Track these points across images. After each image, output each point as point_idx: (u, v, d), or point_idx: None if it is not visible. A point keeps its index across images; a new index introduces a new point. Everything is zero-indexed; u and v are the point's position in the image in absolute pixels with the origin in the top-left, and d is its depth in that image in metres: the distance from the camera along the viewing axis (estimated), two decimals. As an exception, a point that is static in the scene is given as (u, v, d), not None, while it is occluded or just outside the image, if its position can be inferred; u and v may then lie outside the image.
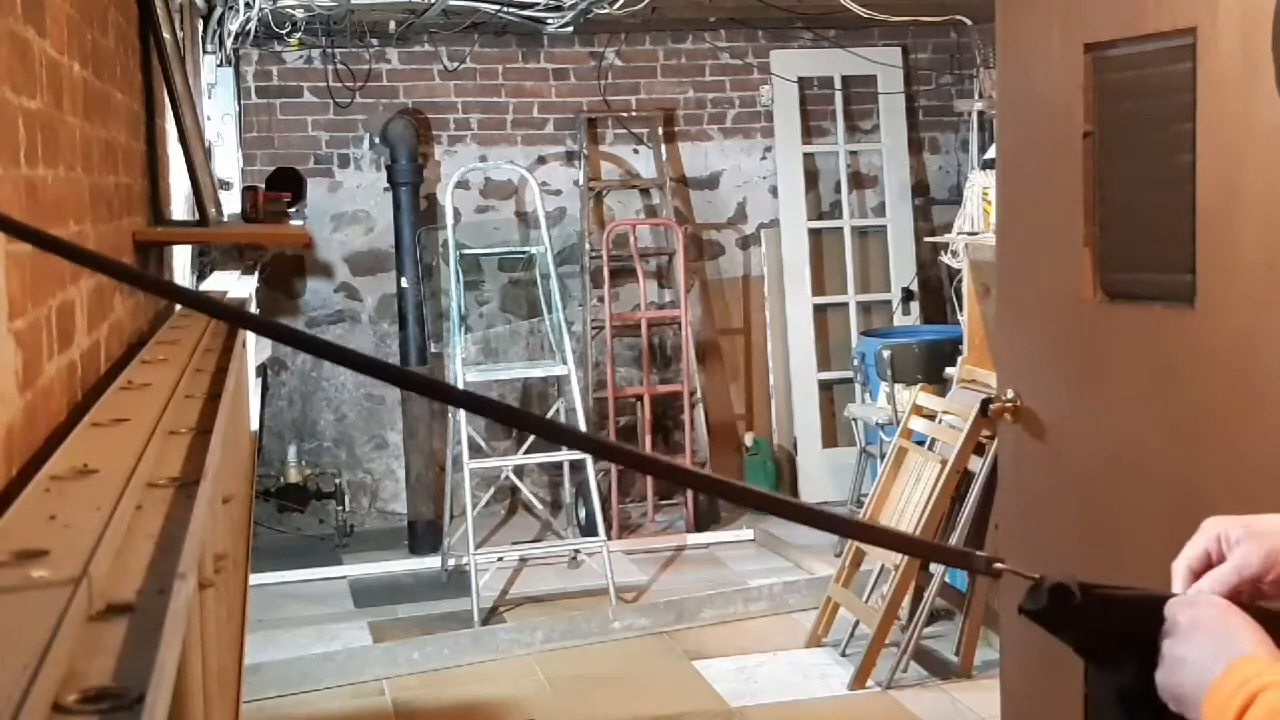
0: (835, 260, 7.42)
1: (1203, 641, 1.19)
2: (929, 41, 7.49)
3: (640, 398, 6.92)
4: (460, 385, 5.93)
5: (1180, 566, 1.29)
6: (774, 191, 7.42)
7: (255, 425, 4.49)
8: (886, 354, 6.02)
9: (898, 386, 5.91)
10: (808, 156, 7.42)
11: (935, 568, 4.81)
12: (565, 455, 6.45)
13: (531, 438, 6.51)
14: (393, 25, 6.63)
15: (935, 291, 7.48)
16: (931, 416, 5.12)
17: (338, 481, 6.85)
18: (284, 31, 6.39)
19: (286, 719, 4.70)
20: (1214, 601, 1.23)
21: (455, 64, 7.01)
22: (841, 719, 4.57)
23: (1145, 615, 1.21)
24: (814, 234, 7.38)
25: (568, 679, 4.93)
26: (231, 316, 1.70)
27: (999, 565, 1.22)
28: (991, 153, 4.75)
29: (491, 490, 6.60)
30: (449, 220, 6.32)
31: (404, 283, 6.73)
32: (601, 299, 6.95)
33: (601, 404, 6.93)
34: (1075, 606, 1.20)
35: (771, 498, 1.24)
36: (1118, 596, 1.24)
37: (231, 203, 4.89)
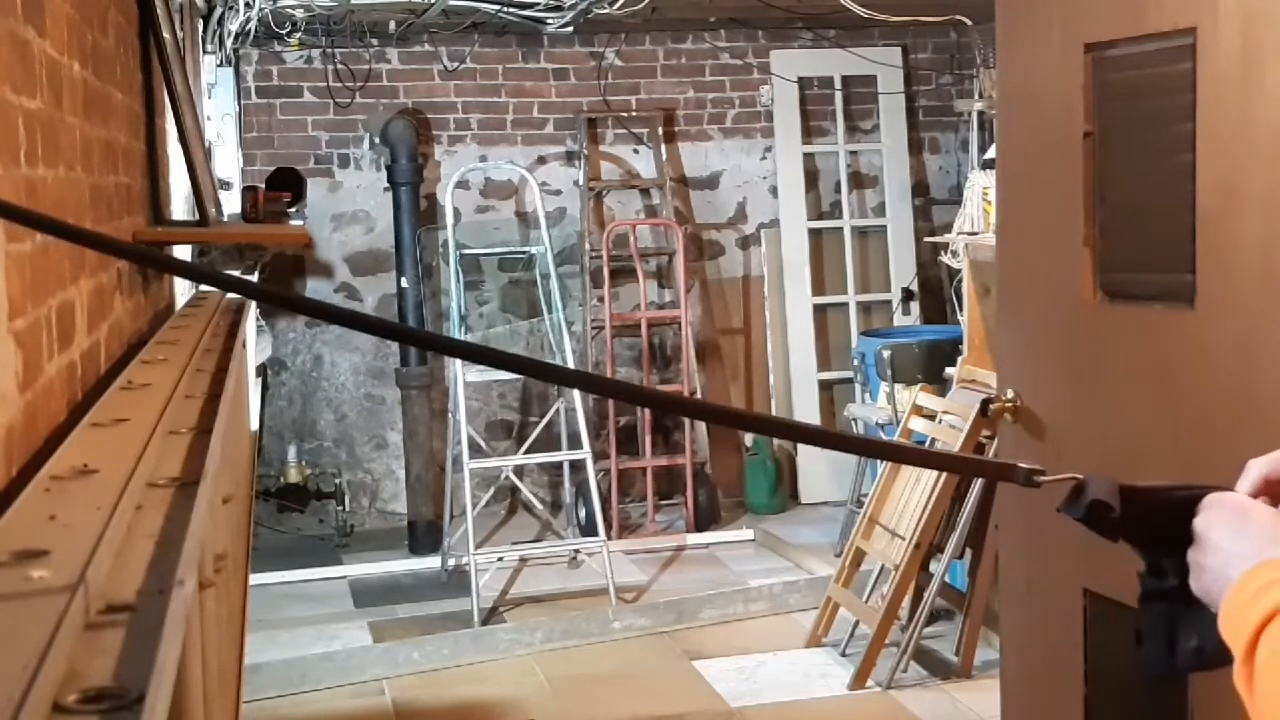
0: (835, 260, 7.42)
1: (1218, 546, 1.16)
2: (929, 41, 7.49)
3: (640, 398, 6.92)
4: (460, 385, 5.93)
5: (1255, 473, 1.23)
6: (774, 191, 7.42)
7: (255, 425, 4.49)
8: (886, 354, 6.02)
9: (898, 386, 5.91)
10: (808, 156, 7.42)
11: (935, 567, 4.81)
12: (565, 455, 6.46)
13: (531, 438, 6.51)
14: (393, 25, 6.63)
15: (935, 291, 7.48)
16: (931, 416, 5.12)
17: (338, 481, 6.85)
18: (284, 31, 6.39)
19: (286, 719, 4.70)
20: (1229, 500, 1.19)
21: (455, 64, 7.01)
22: (841, 719, 4.57)
23: (1185, 515, 1.21)
24: (814, 234, 7.38)
25: (568, 679, 4.93)
26: (252, 291, 1.70)
27: (1040, 478, 1.24)
28: (991, 153, 4.75)
29: (491, 490, 6.60)
30: (449, 220, 6.32)
31: (404, 283, 6.73)
32: (601, 299, 6.95)
33: (601, 404, 6.93)
34: (1115, 518, 1.21)
35: (800, 427, 1.24)
36: (1158, 500, 1.23)
37: (231, 203, 4.89)
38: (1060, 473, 1.25)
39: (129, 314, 2.55)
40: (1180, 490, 1.23)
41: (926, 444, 5.06)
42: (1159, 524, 1.23)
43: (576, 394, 6.16)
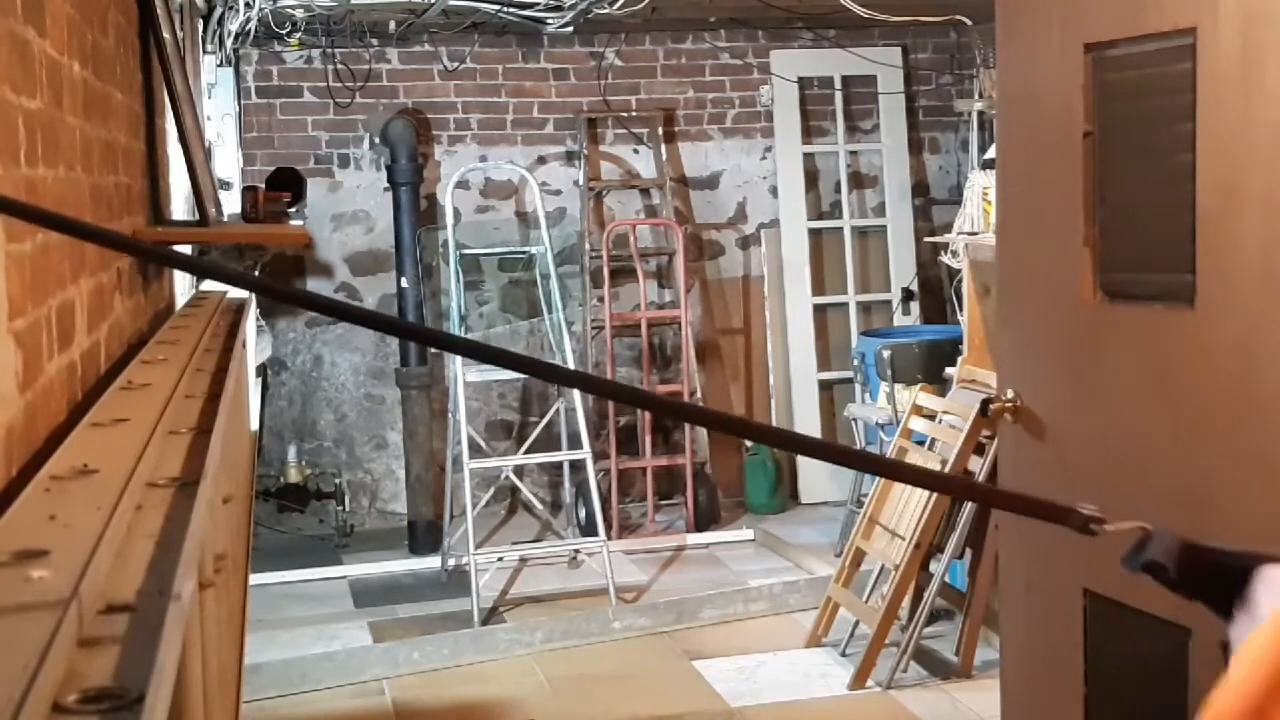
0: (835, 260, 7.42)
1: (1244, 623, 1.15)
2: (929, 41, 7.49)
3: (640, 398, 6.91)
4: (460, 385, 5.93)
5: None
6: (774, 191, 7.42)
7: (255, 425, 4.49)
8: (886, 354, 6.02)
9: (898, 386, 5.91)
10: (808, 156, 7.42)
11: (935, 567, 4.81)
12: (565, 455, 6.46)
13: (531, 438, 6.51)
14: (393, 25, 6.63)
15: (935, 291, 7.48)
16: (931, 416, 5.12)
17: (338, 481, 6.85)
18: (284, 31, 6.39)
19: (286, 719, 4.70)
20: (1267, 575, 1.18)
21: (455, 64, 7.01)
22: (841, 719, 4.57)
23: (1241, 582, 1.19)
24: (814, 234, 7.38)
25: (568, 679, 4.93)
26: (255, 285, 1.70)
27: (1099, 527, 1.17)
28: (991, 153, 4.75)
29: (491, 490, 6.60)
30: (449, 220, 6.32)
31: (404, 283, 6.73)
32: (601, 299, 6.95)
33: (601, 404, 6.93)
34: (1169, 579, 1.19)
35: (826, 446, 1.19)
36: (1217, 564, 1.21)
37: (231, 203, 4.89)
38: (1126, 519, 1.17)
39: (129, 314, 2.55)
40: (1240, 556, 1.22)
41: (927, 444, 5.06)
42: (1217, 588, 1.21)
43: (576, 394, 6.16)
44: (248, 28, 5.91)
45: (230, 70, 6.43)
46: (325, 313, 1.10)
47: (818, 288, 7.37)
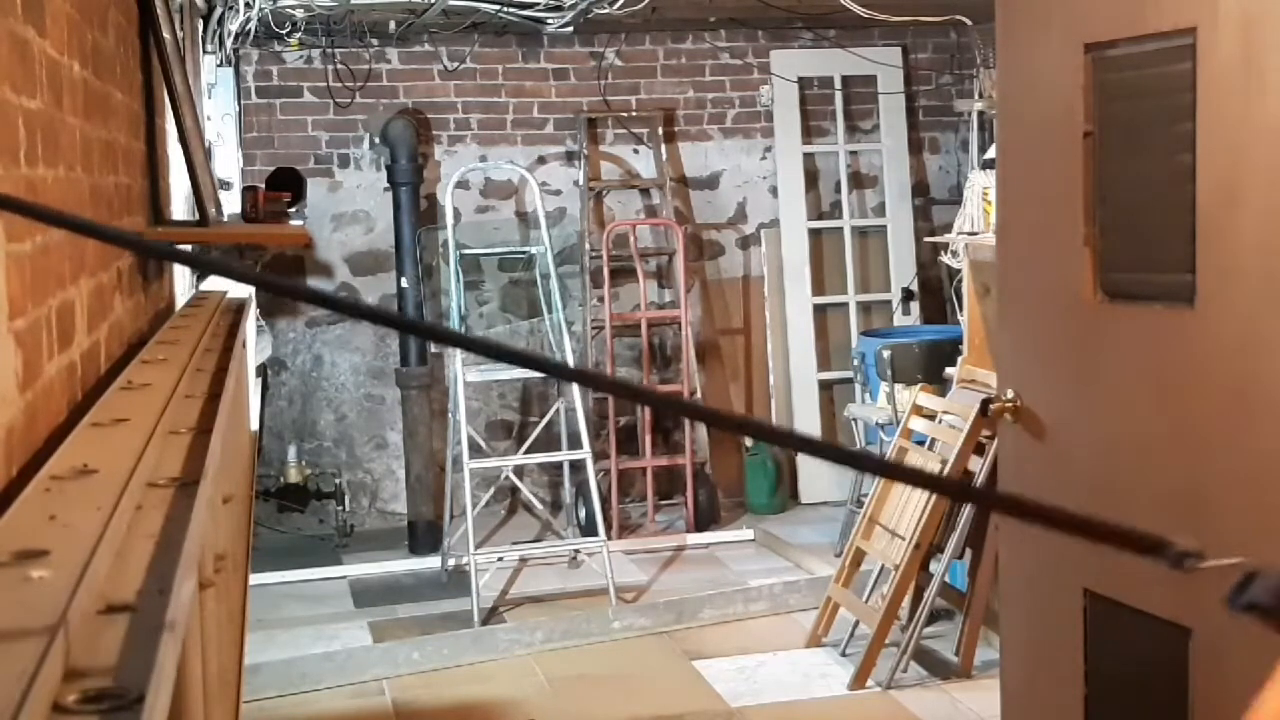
0: (835, 260, 7.42)
1: None
2: (929, 41, 7.49)
3: (640, 398, 6.92)
4: (460, 384, 5.93)
5: None
6: (774, 191, 7.42)
7: (255, 425, 4.49)
8: (886, 354, 6.02)
9: (898, 386, 5.91)
10: (808, 156, 7.42)
11: (935, 567, 4.80)
12: (565, 455, 6.46)
13: (531, 438, 6.51)
14: (393, 25, 6.63)
15: (935, 291, 7.48)
16: (931, 416, 5.12)
17: (338, 481, 6.85)
18: (284, 31, 6.39)
19: (286, 719, 4.70)
20: None
21: (455, 64, 7.01)
22: (841, 719, 4.57)
23: None
24: (814, 234, 7.38)
25: (568, 679, 4.93)
26: (256, 280, 1.70)
27: (1194, 564, 1.05)
28: (991, 153, 4.75)
29: (491, 490, 6.60)
30: (449, 220, 6.32)
31: (404, 283, 6.73)
32: (601, 299, 6.95)
33: (601, 404, 6.93)
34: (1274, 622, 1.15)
35: (848, 452, 1.14)
36: None
37: (231, 203, 4.89)
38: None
39: (129, 314, 2.55)
40: None
41: (927, 444, 5.06)
42: None
43: (576, 394, 6.15)
44: (248, 28, 5.91)
45: (230, 70, 6.43)
46: (333, 309, 1.09)
47: (818, 288, 7.37)
